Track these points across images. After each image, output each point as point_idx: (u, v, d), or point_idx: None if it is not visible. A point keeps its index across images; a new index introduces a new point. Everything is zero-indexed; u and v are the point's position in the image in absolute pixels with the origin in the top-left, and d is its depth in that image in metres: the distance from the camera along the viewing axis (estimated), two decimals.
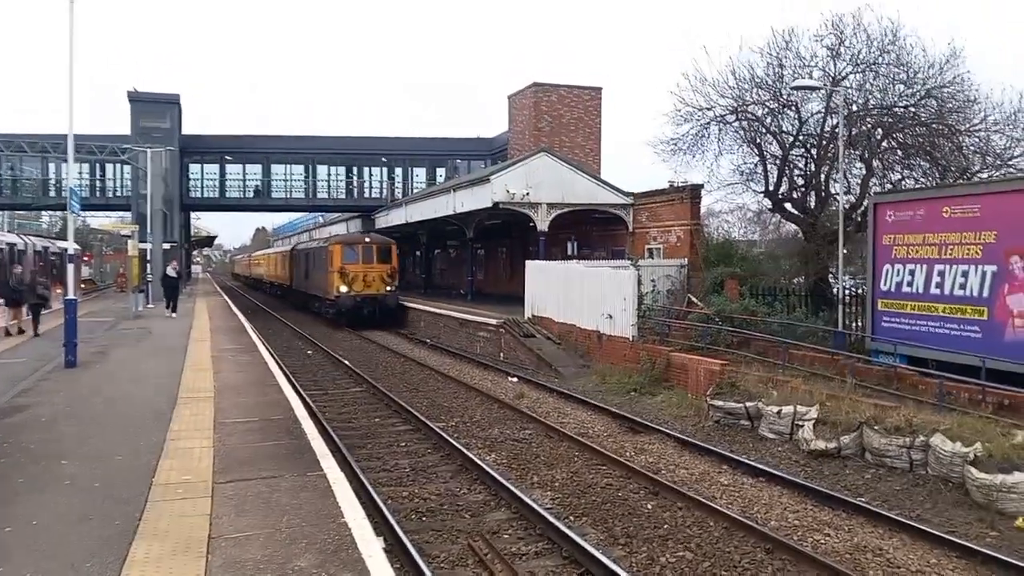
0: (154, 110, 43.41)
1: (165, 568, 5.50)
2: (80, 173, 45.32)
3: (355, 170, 50.72)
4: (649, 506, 9.91)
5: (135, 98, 43.59)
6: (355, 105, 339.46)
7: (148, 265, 37.06)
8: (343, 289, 32.29)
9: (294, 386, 15.13)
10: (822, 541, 8.73)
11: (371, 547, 5.89)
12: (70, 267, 17.11)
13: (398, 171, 51.20)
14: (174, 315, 28.00)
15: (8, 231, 44.59)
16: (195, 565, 5.54)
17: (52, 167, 46.66)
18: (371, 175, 51.34)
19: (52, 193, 46.80)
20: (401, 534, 8.22)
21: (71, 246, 17.36)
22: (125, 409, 11.25)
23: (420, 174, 51.74)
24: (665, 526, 9.20)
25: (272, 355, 18.81)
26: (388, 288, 33.04)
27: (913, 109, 21.43)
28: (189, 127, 47.04)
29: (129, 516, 6.59)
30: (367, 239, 34.48)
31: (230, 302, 41.09)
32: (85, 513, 6.68)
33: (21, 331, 21.82)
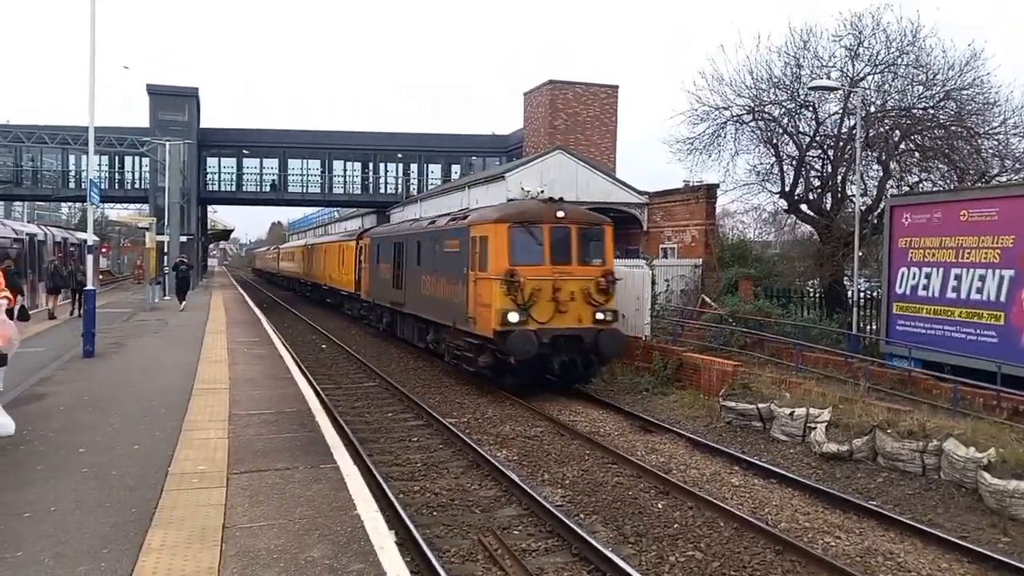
0: (173, 103, 43.83)
1: (180, 556, 5.58)
2: (99, 165, 45.78)
3: (371, 165, 50.95)
4: (660, 505, 9.92)
5: (154, 91, 43.99)
6: (351, 105, 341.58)
7: (166, 257, 37.41)
8: (512, 317, 15.64)
9: (308, 379, 15.24)
10: (832, 543, 8.71)
11: (383, 540, 5.95)
12: (89, 258, 17.32)
13: (413, 167, 51.40)
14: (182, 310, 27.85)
15: (28, 222, 45.07)
16: (210, 554, 5.62)
17: (72, 159, 47.18)
18: (386, 171, 51.55)
19: (72, 184, 47.32)
20: (412, 528, 8.28)
21: (90, 237, 17.55)
22: (142, 399, 11.37)
23: (435, 171, 51.93)
24: (675, 525, 9.21)
25: (287, 348, 18.94)
26: (602, 316, 16.27)
27: (932, 111, 21.33)
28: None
29: (145, 504, 6.69)
30: (559, 213, 16.47)
31: (246, 296, 41.38)
32: (102, 501, 6.78)
33: (53, 316, 23.26)
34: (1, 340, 9.08)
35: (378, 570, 5.38)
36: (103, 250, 57.38)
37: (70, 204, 68.28)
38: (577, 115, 37.78)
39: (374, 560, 5.54)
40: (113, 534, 6.00)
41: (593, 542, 8.17)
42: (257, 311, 29.87)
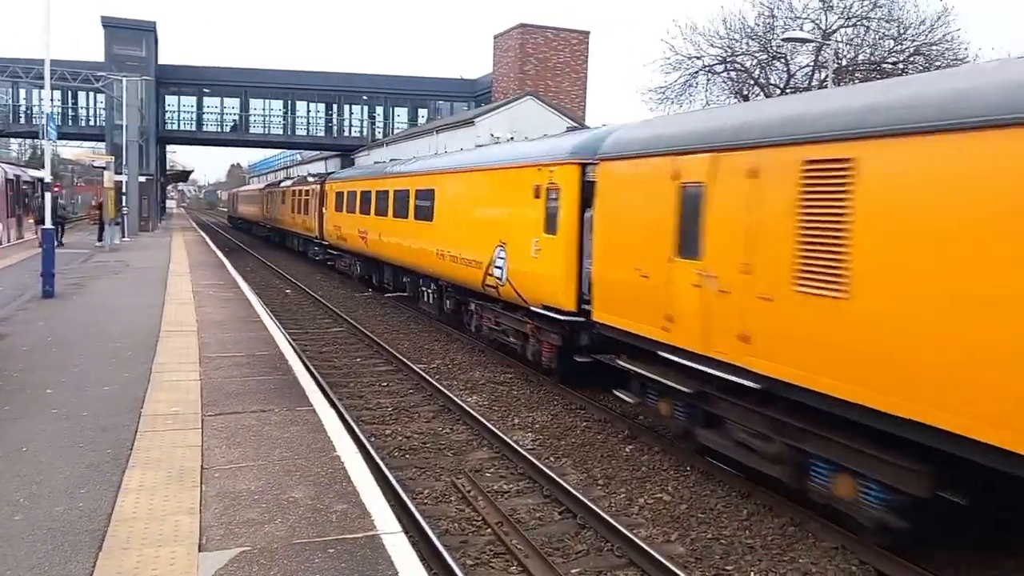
0: (129, 37, 42.11)
1: (160, 496, 5.57)
2: (52, 100, 44.09)
3: (335, 107, 49.87)
4: (628, 449, 10.12)
5: (109, 23, 42.21)
6: (315, 45, 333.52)
7: (124, 197, 36.51)
8: None
9: (276, 323, 15.12)
10: None
11: (366, 480, 6.01)
12: (47, 196, 16.80)
13: (379, 110, 50.42)
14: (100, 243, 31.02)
15: None
16: (190, 494, 5.62)
17: (23, 92, 45.34)
18: (351, 113, 50.53)
19: (22, 120, 45.59)
20: (385, 470, 8.35)
21: (47, 175, 17.00)
22: (108, 340, 11.20)
23: (401, 114, 51.02)
24: (643, 469, 9.43)
25: (253, 292, 18.73)
26: None
27: (902, 66, 21.47)
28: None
29: (120, 445, 6.64)
30: None
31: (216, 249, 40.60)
32: (74, 441, 6.72)
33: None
34: None
35: (362, 510, 5.44)
36: (56, 189, 55.66)
37: (20, 140, 65.92)
38: (547, 60, 37.27)
39: (357, 501, 5.59)
40: (89, 474, 5.96)
41: (564, 484, 8.35)
42: (219, 253, 29.42)
